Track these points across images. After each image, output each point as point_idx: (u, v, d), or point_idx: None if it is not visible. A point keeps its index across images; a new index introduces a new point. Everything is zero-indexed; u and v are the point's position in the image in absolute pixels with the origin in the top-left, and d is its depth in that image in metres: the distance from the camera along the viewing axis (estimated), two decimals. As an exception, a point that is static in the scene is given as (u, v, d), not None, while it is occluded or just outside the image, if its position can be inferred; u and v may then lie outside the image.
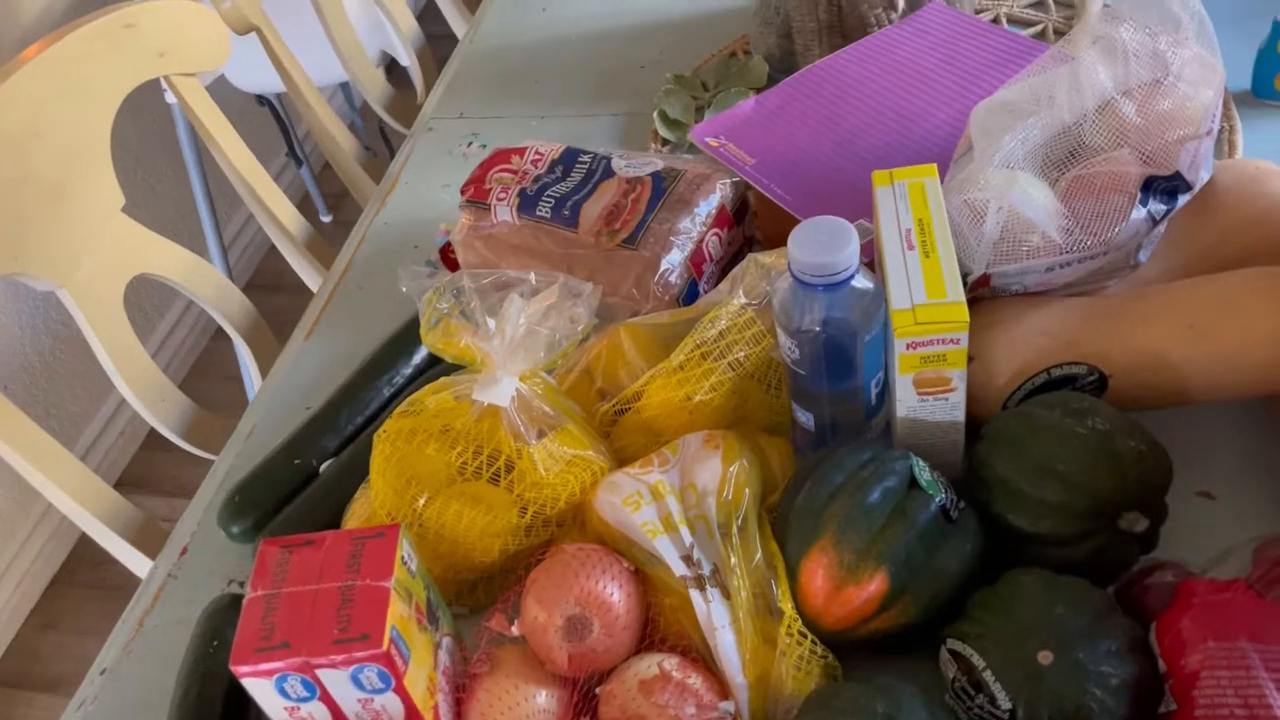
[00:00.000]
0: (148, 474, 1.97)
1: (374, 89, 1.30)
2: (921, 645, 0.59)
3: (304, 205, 2.48)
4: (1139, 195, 0.66)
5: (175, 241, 1.00)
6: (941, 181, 0.67)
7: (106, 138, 0.92)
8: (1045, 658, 0.52)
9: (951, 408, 0.62)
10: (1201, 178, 0.68)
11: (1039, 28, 1.02)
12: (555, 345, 0.61)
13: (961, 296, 0.58)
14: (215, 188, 1.89)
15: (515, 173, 0.85)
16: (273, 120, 2.10)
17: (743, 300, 0.67)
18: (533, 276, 0.62)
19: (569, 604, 0.58)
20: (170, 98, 1.17)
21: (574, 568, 0.60)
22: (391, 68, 1.74)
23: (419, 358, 0.83)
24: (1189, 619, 0.52)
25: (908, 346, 0.58)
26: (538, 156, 0.86)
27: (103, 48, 0.90)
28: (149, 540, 0.92)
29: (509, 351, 0.61)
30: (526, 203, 0.82)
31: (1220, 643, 0.50)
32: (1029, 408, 0.62)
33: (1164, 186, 0.67)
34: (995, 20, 1.04)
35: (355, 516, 0.71)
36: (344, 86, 2.12)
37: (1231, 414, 0.69)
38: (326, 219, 2.42)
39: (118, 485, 1.95)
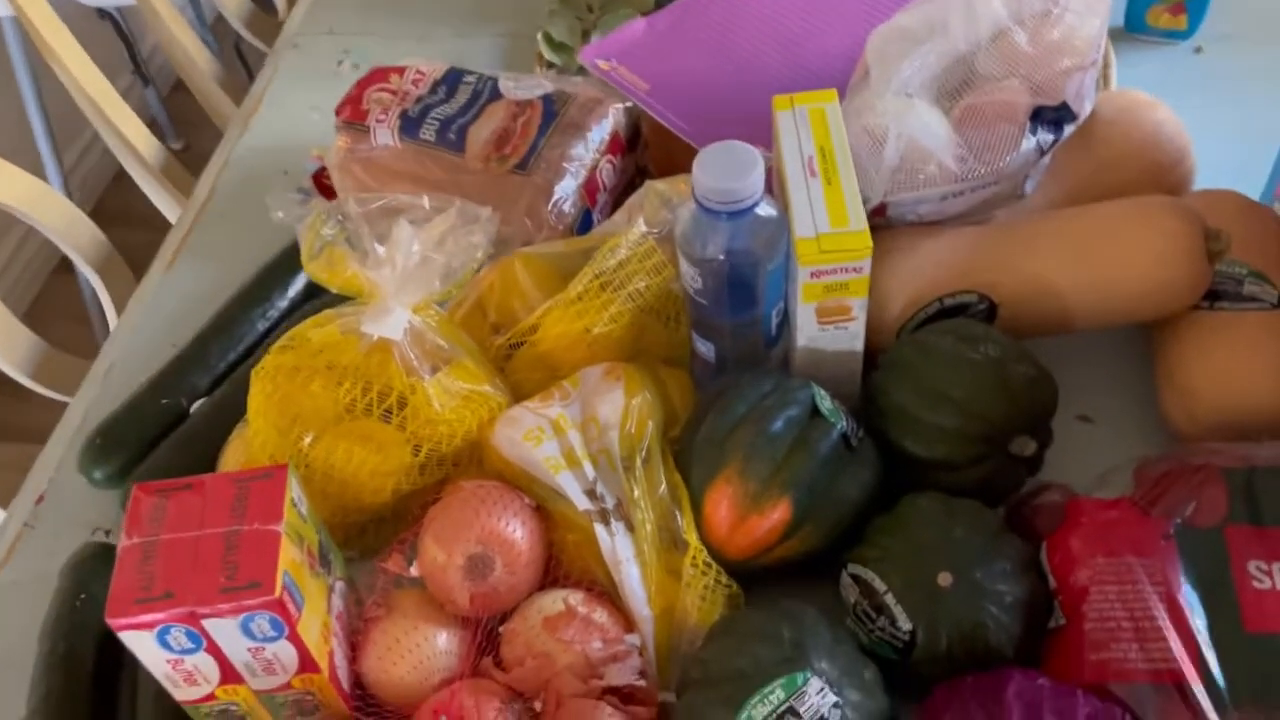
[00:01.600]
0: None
1: (232, 4, 1.21)
2: (823, 571, 0.59)
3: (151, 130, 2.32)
4: (1028, 125, 0.67)
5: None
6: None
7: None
8: (945, 579, 0.53)
9: (851, 337, 0.62)
10: (1086, 108, 0.69)
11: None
12: (451, 274, 0.58)
13: (864, 224, 0.58)
14: (51, 108, 1.74)
15: (395, 93, 0.80)
16: (115, 36, 1.94)
17: (643, 229, 0.65)
18: (425, 201, 0.58)
19: (470, 543, 0.57)
20: (3, 8, 1.05)
21: (474, 505, 0.58)
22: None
23: (296, 288, 0.79)
24: (1078, 537, 0.54)
25: (811, 275, 0.58)
26: (419, 76, 0.81)
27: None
28: (-3, 489, 0.85)
29: (401, 281, 0.57)
30: (409, 125, 0.77)
31: (1108, 558, 0.52)
32: (924, 335, 0.63)
33: (1051, 116, 0.68)
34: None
35: (232, 459, 0.67)
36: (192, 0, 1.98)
37: (1112, 341, 0.72)
38: (177, 145, 2.27)
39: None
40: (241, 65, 2.05)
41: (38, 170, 1.84)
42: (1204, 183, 0.74)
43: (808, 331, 0.61)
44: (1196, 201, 0.70)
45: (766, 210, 0.59)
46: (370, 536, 0.66)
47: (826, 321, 0.61)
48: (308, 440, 0.61)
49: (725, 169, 0.57)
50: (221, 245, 0.88)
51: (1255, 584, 0.50)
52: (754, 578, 0.60)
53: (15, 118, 1.88)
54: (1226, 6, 0.91)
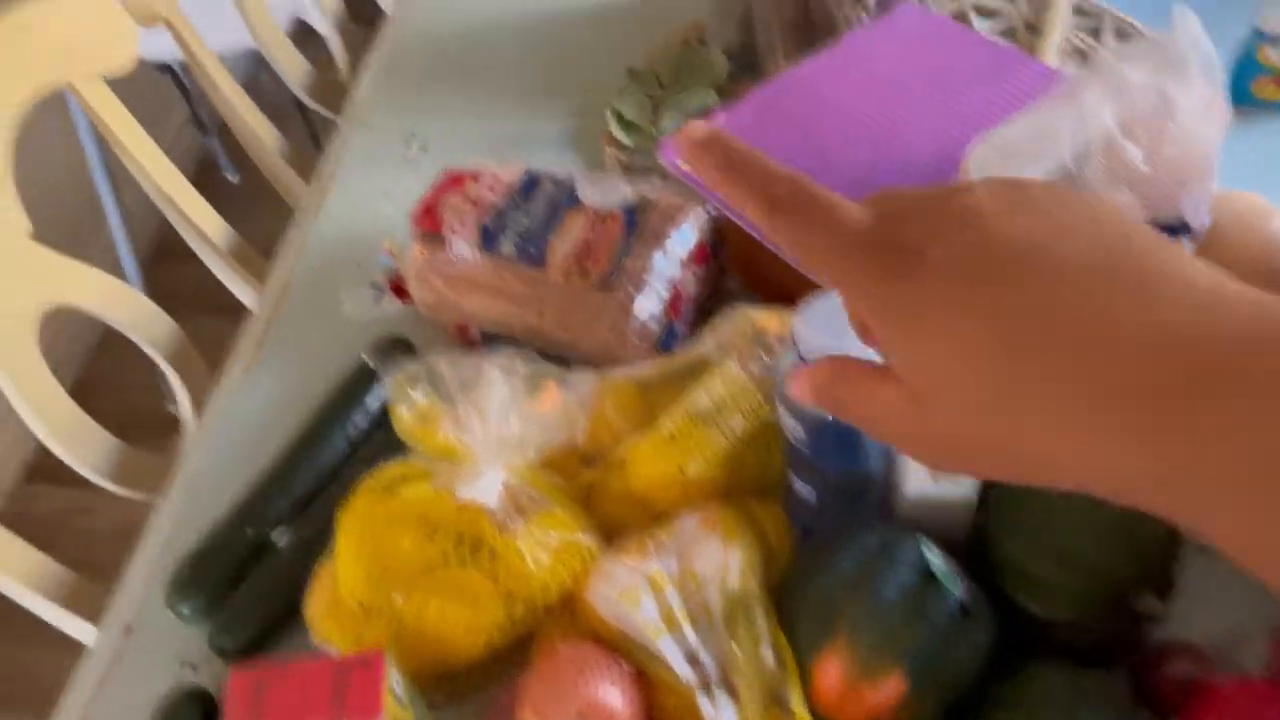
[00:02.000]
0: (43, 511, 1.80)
1: (293, 71, 1.20)
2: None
3: (206, 166, 2.33)
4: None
5: (85, 258, 0.91)
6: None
7: (7, 157, 0.83)
8: (1074, 770, 0.50)
9: (963, 487, 0.59)
10: (1204, 223, 0.66)
11: (1008, 21, 0.98)
12: (547, 443, 0.56)
13: None
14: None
15: (471, 200, 0.78)
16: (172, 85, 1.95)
17: (738, 368, 0.63)
18: (519, 364, 0.56)
19: (570, 714, 0.55)
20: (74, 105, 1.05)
21: (572, 674, 0.56)
22: (304, 37, 1.61)
23: (375, 403, 0.77)
24: (1217, 723, 0.51)
25: None
26: (495, 182, 0.79)
27: (-7, 55, 0.80)
28: (80, 600, 0.85)
29: (495, 446, 0.56)
30: (488, 238, 0.76)
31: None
32: (1038, 480, 0.60)
33: (1168, 233, 0.64)
34: (962, 14, 1.00)
35: (319, 600, 0.65)
36: (258, 60, 1.98)
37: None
38: (234, 178, 2.28)
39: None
40: (303, 121, 2.00)
41: (110, 254, 1.83)
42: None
43: (916, 483, 0.59)
44: None
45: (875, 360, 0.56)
46: (460, 681, 0.65)
47: (939, 478, 0.58)
48: (400, 598, 0.60)
49: (832, 324, 0.54)
50: (298, 343, 0.87)
51: None
52: (863, 743, 0.57)
53: (84, 205, 1.88)
54: (1339, 77, 0.86)
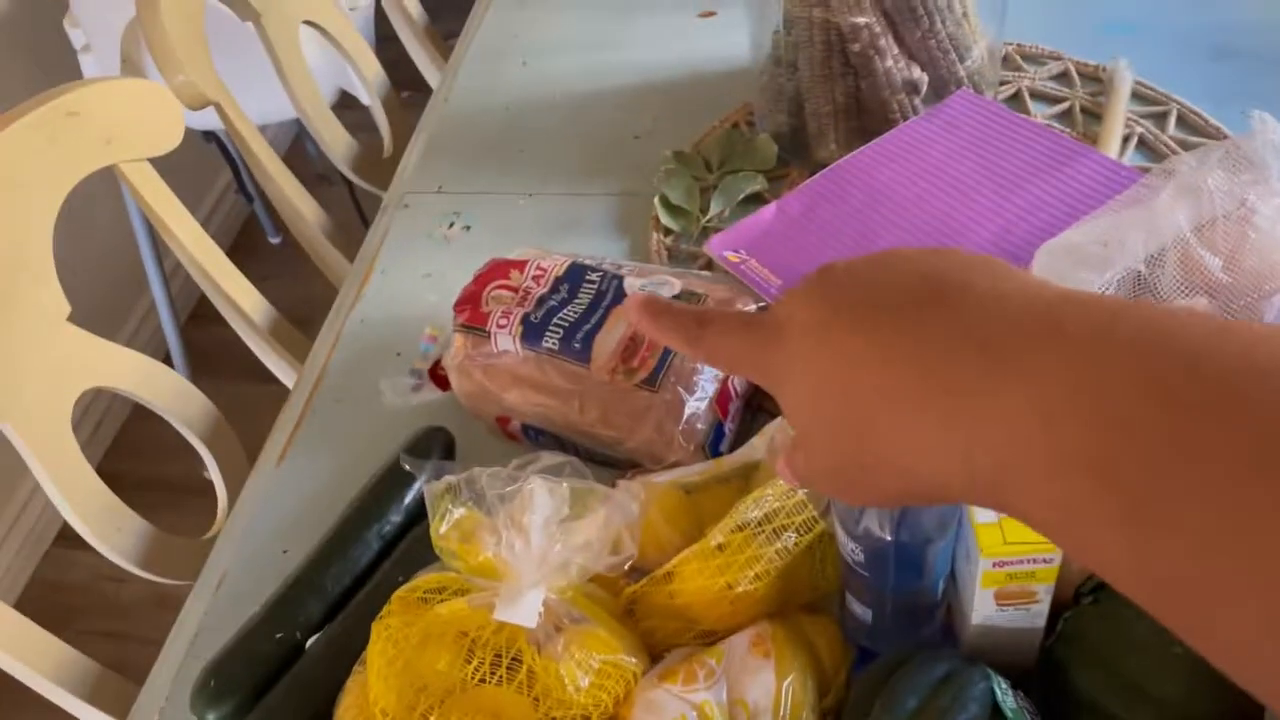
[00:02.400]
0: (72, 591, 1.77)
1: (336, 143, 1.20)
2: None
3: (251, 228, 2.35)
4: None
5: (129, 316, 0.90)
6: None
7: (48, 240, 0.82)
8: None
9: (1033, 616, 0.55)
10: (1284, 329, 0.62)
11: (1065, 105, 0.96)
12: (593, 567, 0.53)
13: None
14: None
15: (515, 290, 0.77)
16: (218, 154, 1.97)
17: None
18: (565, 486, 0.54)
19: None
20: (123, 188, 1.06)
21: (615, 814, 0.52)
22: (342, 104, 1.63)
23: (411, 498, 0.75)
24: None
25: (994, 565, 0.52)
26: (539, 272, 0.77)
27: (43, 140, 0.80)
28: (103, 695, 0.82)
29: (537, 565, 0.53)
30: (531, 332, 0.74)
31: None
32: (1114, 608, 0.56)
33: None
34: (1017, 96, 0.98)
35: (350, 712, 0.62)
36: (304, 132, 2.01)
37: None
38: (275, 240, 2.30)
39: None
40: (348, 191, 2.01)
41: (153, 334, 1.82)
42: None
43: (984, 612, 0.55)
44: None
45: (937, 481, 0.53)
46: (495, 802, 0.62)
47: (1006, 604, 0.54)
48: (432, 718, 0.57)
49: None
50: (333, 434, 0.85)
51: None
52: None
53: (124, 281, 1.89)
54: None
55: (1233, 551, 0.23)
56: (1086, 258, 0.62)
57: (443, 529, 0.54)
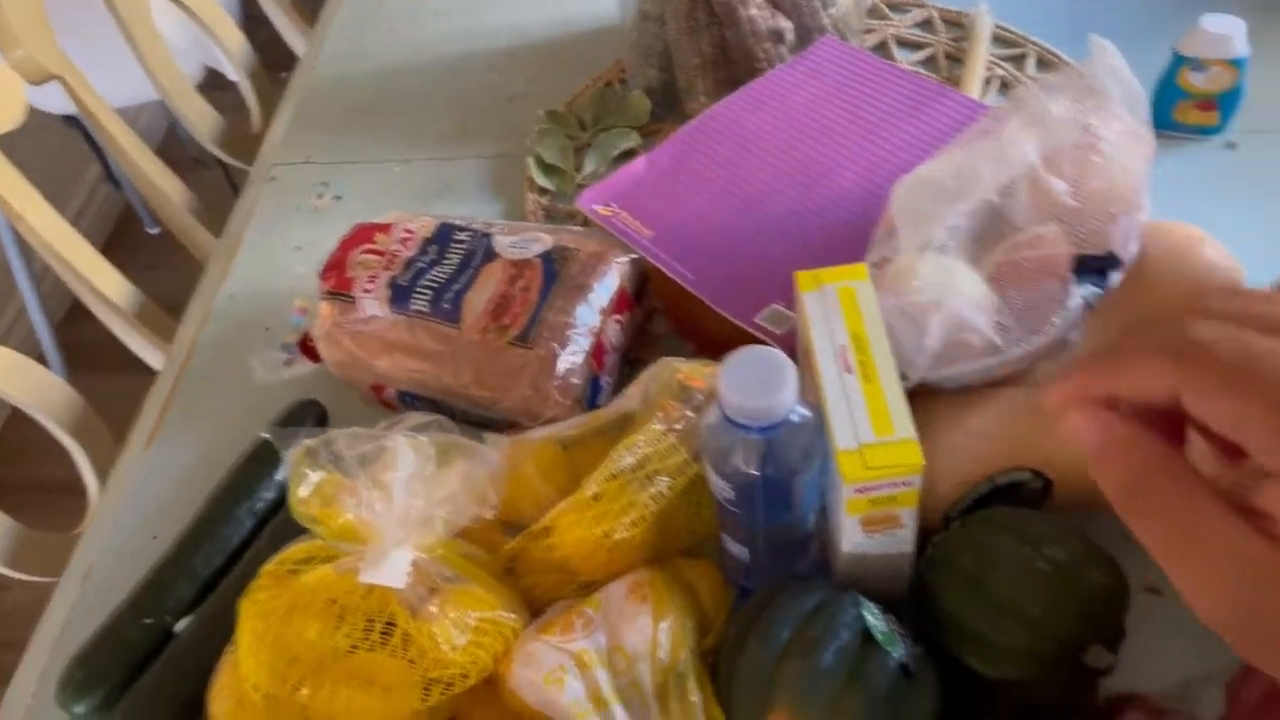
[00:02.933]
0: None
1: (201, 122, 1.16)
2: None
3: (127, 220, 2.26)
4: (1072, 279, 0.62)
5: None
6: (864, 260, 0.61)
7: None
8: (1031, 845, 0.47)
9: (900, 541, 0.56)
10: (1132, 251, 0.64)
11: (928, 52, 0.97)
12: (461, 518, 0.52)
13: (912, 432, 0.52)
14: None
15: (382, 254, 0.75)
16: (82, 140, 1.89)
17: (662, 425, 0.59)
18: (428, 442, 0.52)
19: (492, 815, 0.51)
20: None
21: (495, 769, 0.52)
22: (213, 84, 1.57)
23: (283, 474, 0.73)
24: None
25: (856, 491, 0.52)
26: (407, 235, 0.75)
27: None
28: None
29: (401, 525, 0.52)
30: (399, 295, 0.72)
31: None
32: (978, 532, 0.57)
33: (1096, 266, 0.63)
34: (883, 45, 0.99)
35: (223, 694, 0.60)
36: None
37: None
38: (153, 230, 2.21)
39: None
40: (223, 172, 1.94)
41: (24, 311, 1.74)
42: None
43: (853, 539, 0.56)
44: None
45: (801, 414, 0.53)
46: (380, 770, 0.60)
47: (873, 530, 0.55)
48: (306, 690, 0.55)
49: (755, 385, 0.51)
50: (203, 414, 0.82)
51: None
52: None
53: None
54: (1260, 100, 0.86)
55: None
56: (941, 191, 0.63)
57: (301, 494, 0.53)
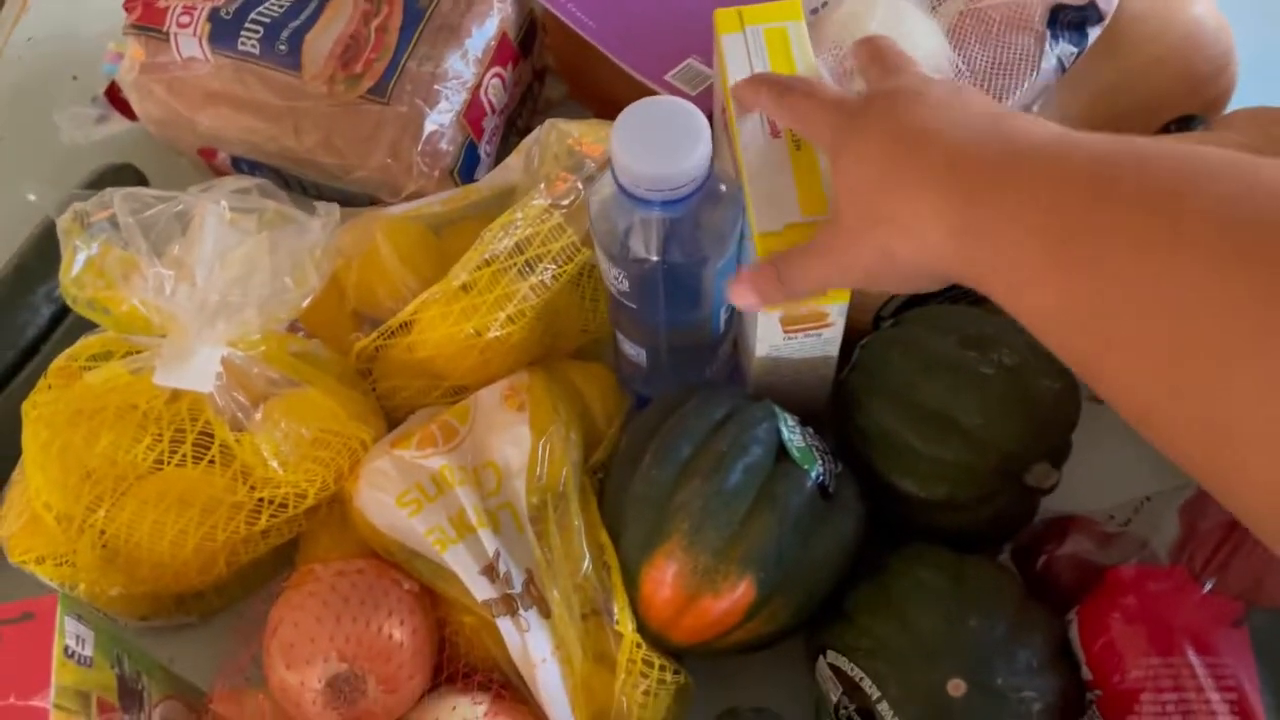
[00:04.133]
0: None
1: None
2: (794, 644, 0.47)
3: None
4: (1047, 34, 0.51)
5: None
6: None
7: None
8: (956, 688, 0.41)
9: (825, 344, 0.47)
10: (1114, 3, 0.54)
11: None
12: (279, 301, 0.41)
13: None
14: None
15: (203, -19, 0.60)
16: None
17: (545, 200, 0.48)
18: (225, 205, 0.40)
19: (331, 660, 0.42)
20: None
21: (334, 606, 0.43)
22: None
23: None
24: (1122, 621, 0.42)
25: None
26: (235, -44, 0.60)
27: None
28: None
29: (203, 312, 0.40)
30: (222, 31, 0.57)
31: (1164, 659, 0.41)
32: (915, 332, 0.49)
33: (1074, 18, 0.52)
34: None
35: (15, 514, 0.50)
36: None
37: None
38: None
39: None
40: None
41: None
42: (1246, 83, 0.59)
43: (770, 341, 0.47)
44: (1235, 125, 0.55)
45: (714, 185, 0.43)
46: (210, 597, 0.52)
47: (794, 331, 0.46)
48: (103, 511, 0.45)
49: (657, 142, 0.40)
50: (2, 180, 0.68)
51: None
52: (706, 659, 0.47)
53: None
54: None
55: (1129, 299, 0.30)
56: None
57: (74, 271, 0.41)
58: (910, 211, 0.36)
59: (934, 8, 0.53)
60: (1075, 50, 0.52)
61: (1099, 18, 0.53)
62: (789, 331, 0.46)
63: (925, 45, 0.49)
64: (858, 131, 0.38)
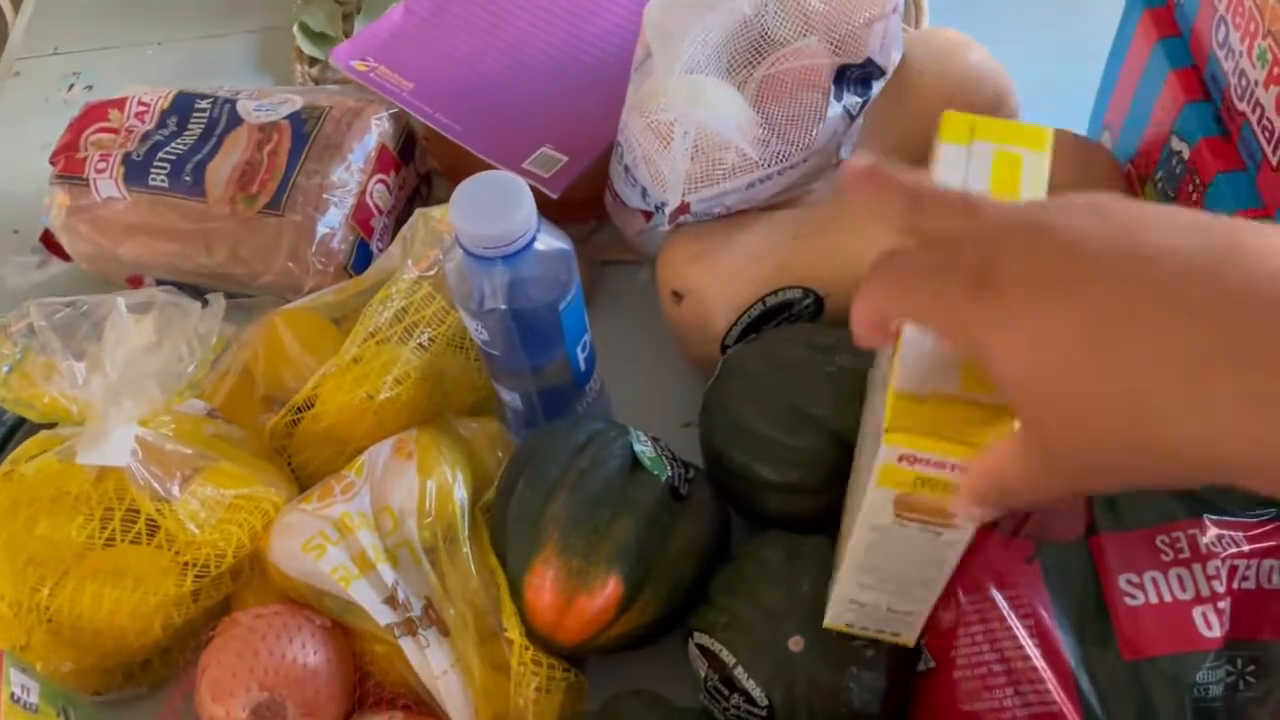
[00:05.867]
0: None
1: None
2: (672, 635, 0.53)
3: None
4: (832, 89, 0.60)
5: None
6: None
7: None
8: (796, 644, 0.47)
9: (944, 544, 0.39)
10: (894, 59, 0.63)
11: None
12: (178, 376, 0.48)
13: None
14: None
15: (117, 132, 0.68)
16: None
17: (414, 273, 0.56)
18: (121, 303, 0.48)
19: (252, 690, 0.48)
20: None
21: (252, 643, 0.49)
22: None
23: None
24: (936, 570, 0.48)
25: (900, 460, 0.35)
26: (142, 108, 0.69)
27: None
28: None
29: (113, 396, 0.47)
30: (135, 171, 0.66)
31: (970, 595, 0.47)
32: (769, 344, 0.56)
33: (857, 75, 0.61)
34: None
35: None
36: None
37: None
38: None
39: None
40: None
41: None
42: (1030, 114, 0.68)
43: (874, 520, 0.39)
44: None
45: (547, 242, 0.50)
46: (156, 667, 0.57)
47: (911, 519, 0.38)
48: (47, 590, 0.51)
49: (487, 208, 0.48)
50: (-49, 328, 0.75)
51: (1128, 600, 0.45)
52: (595, 657, 0.53)
53: None
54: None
55: None
56: (694, 6, 0.60)
57: (2, 375, 0.48)
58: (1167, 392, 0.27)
59: (742, 82, 0.61)
60: (860, 100, 0.61)
61: (881, 73, 0.61)
62: (905, 519, 0.38)
63: (725, 108, 0.58)
64: (1017, 308, 0.28)
